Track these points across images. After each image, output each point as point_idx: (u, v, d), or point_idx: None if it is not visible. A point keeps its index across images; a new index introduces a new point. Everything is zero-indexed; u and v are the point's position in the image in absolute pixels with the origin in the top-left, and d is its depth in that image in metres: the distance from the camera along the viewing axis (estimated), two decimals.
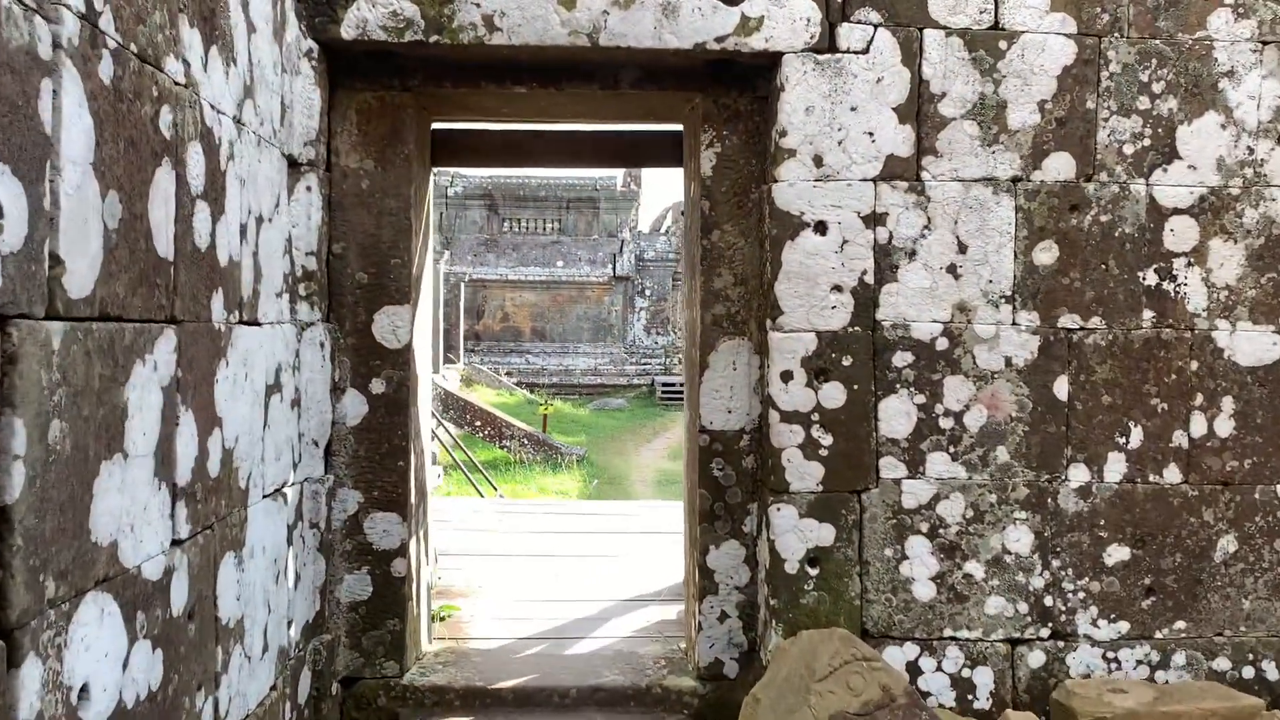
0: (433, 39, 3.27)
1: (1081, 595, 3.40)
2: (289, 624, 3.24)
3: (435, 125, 4.21)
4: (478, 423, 18.09)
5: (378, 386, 3.58)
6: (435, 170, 4.28)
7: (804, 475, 3.34)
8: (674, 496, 15.11)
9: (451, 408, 18.22)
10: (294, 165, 3.34)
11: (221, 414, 2.60)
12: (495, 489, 13.68)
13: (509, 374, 28.72)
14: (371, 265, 3.57)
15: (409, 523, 3.65)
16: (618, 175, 33.10)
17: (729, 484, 3.59)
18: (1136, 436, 3.40)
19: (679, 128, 4.19)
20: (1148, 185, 3.38)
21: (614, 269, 31.81)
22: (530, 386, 27.68)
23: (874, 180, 3.34)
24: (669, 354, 31.63)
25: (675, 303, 33.20)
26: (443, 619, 5.11)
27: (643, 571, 6.11)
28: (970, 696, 3.37)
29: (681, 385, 25.44)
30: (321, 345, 3.46)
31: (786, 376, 3.34)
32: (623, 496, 15.40)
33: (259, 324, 2.95)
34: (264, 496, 2.99)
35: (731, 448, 3.59)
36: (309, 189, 3.38)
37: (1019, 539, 3.39)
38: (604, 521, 7.48)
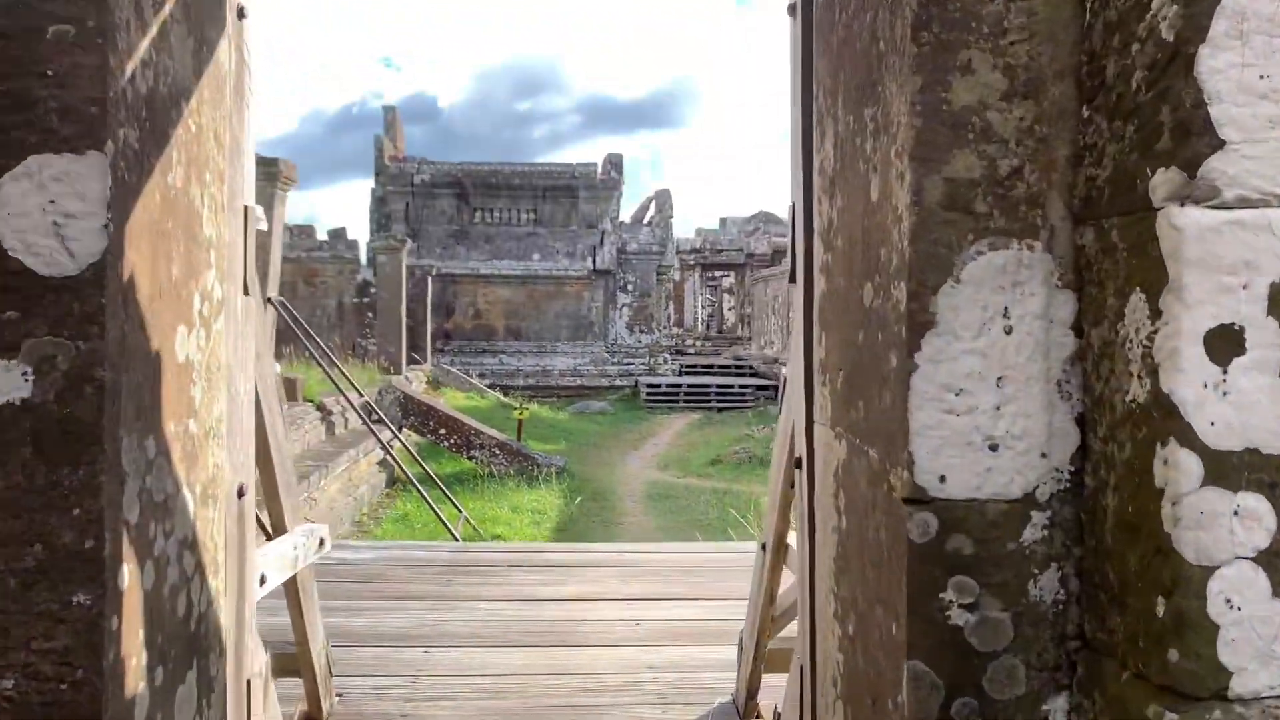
0: None
1: None
2: None
3: None
4: (442, 431, 15.81)
5: (10, 383, 1.29)
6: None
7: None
8: (671, 517, 12.85)
9: (412, 413, 15.93)
10: None
11: None
12: (459, 510, 11.39)
13: (481, 375, 26.44)
14: None
15: None
16: (597, 162, 30.91)
17: (993, 649, 1.30)
18: None
19: None
20: None
21: (594, 262, 29.52)
22: (504, 389, 25.41)
23: None
24: (653, 353, 29.37)
25: (659, 298, 30.91)
26: None
27: (675, 680, 3.83)
28: None
29: (670, 387, 23.43)
30: None
31: (1223, 343, 1.08)
32: (609, 514, 13.15)
33: None
34: None
35: (999, 549, 1.29)
36: None
37: None
38: (599, 580, 5.17)
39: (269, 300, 10.90)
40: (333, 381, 11.44)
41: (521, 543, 8.02)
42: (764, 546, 3.13)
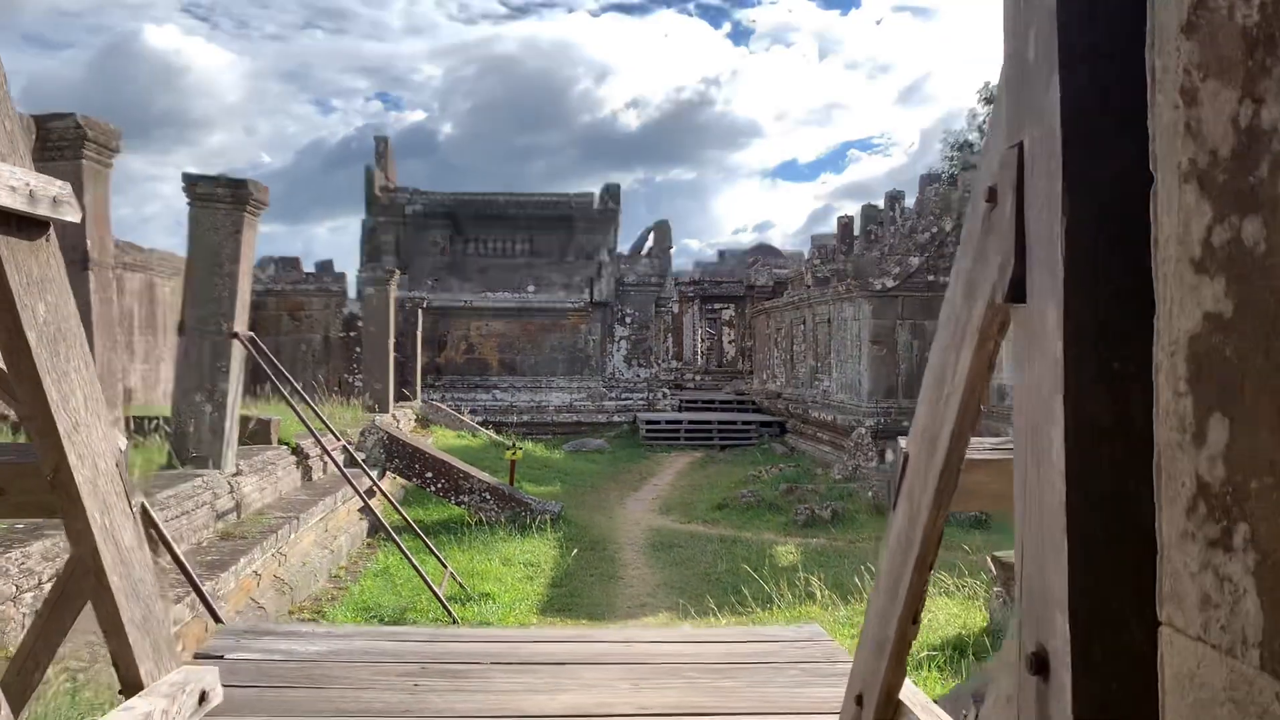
0: None
1: None
2: None
3: None
4: (429, 474, 14.70)
5: None
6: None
7: None
8: (675, 570, 11.73)
9: (397, 456, 14.84)
10: None
11: None
12: (444, 565, 10.30)
13: (474, 412, 25.37)
14: None
15: None
16: (594, 191, 30.06)
17: None
18: None
19: None
20: None
21: (591, 294, 28.56)
22: (498, 426, 24.33)
23: None
24: (652, 388, 28.32)
25: (658, 331, 29.91)
26: None
27: None
28: None
29: (670, 424, 22.68)
30: None
31: None
32: (609, 566, 12.04)
33: None
34: None
35: None
36: None
37: None
38: (603, 683, 4.08)
39: (235, 335, 9.65)
40: (305, 425, 10.38)
41: (506, 629, 6.93)
42: (859, 700, 2.10)
